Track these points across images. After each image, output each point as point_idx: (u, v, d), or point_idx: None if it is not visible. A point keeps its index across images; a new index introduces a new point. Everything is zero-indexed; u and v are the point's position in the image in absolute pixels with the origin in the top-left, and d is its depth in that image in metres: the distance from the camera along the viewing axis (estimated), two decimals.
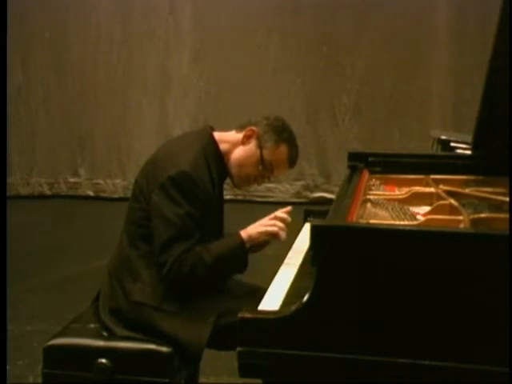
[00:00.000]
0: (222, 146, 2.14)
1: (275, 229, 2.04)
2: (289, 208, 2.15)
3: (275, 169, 2.15)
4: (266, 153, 2.11)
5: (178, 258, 1.95)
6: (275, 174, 2.18)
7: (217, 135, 2.16)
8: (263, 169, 2.14)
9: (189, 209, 1.97)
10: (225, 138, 2.16)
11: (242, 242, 2.04)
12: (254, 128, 2.12)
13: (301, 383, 1.60)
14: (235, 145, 2.14)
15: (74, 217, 6.16)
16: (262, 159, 2.12)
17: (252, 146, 2.12)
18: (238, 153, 2.13)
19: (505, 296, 1.46)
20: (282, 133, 2.13)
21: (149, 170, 2.10)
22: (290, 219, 2.10)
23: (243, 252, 2.05)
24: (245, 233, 2.05)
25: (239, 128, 2.17)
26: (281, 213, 2.11)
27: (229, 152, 2.14)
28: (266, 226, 2.06)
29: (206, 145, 2.11)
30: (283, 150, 2.13)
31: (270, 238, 2.07)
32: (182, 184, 1.97)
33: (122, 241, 2.13)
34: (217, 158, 2.12)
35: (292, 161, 2.17)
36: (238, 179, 2.17)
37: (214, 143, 2.13)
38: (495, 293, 1.48)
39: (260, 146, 2.11)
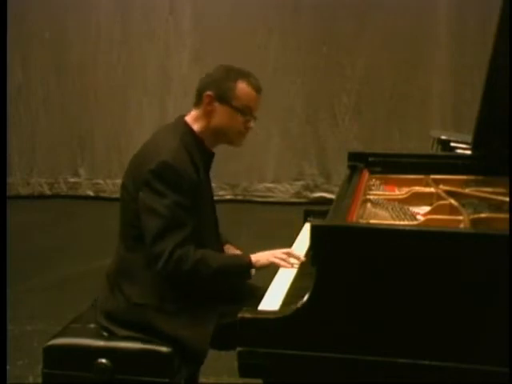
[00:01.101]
0: (196, 127, 2.11)
1: (285, 264, 2.03)
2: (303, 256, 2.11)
3: (251, 106, 2.11)
4: (233, 103, 2.07)
5: (173, 250, 1.93)
6: (255, 109, 2.13)
7: (188, 120, 2.13)
8: (243, 115, 2.10)
9: (176, 198, 1.95)
10: (193, 118, 2.12)
11: (248, 263, 2.03)
12: (207, 93, 2.08)
13: (301, 383, 1.60)
14: (204, 118, 2.10)
15: (74, 217, 6.15)
16: (236, 110, 2.08)
17: (218, 108, 2.08)
18: (214, 123, 2.09)
19: (505, 296, 1.46)
20: (229, 75, 2.09)
21: (132, 170, 2.09)
22: (303, 259, 2.08)
23: (246, 272, 2.05)
24: (255, 257, 2.05)
25: (196, 103, 2.12)
26: (296, 252, 2.10)
27: (205, 129, 2.10)
28: (277, 258, 2.04)
29: (183, 133, 2.08)
30: (242, 86, 2.09)
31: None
32: (164, 175, 1.96)
33: (118, 245, 2.12)
34: (196, 143, 2.09)
35: (257, 88, 2.13)
36: (232, 140, 2.15)
37: (190, 129, 2.10)
38: (495, 293, 1.48)
39: (225, 102, 2.07)
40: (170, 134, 2.09)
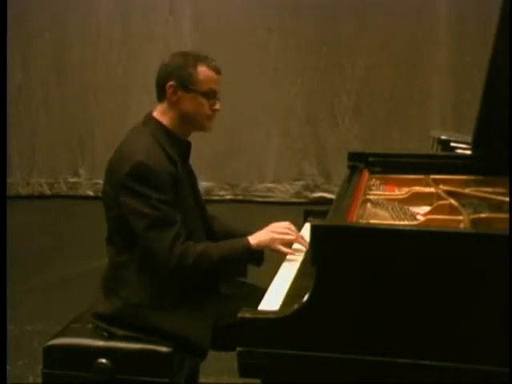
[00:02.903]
0: (165, 120, 2.09)
1: (286, 238, 2.05)
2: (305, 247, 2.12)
3: (214, 88, 2.11)
4: (197, 88, 2.06)
5: (171, 246, 1.93)
6: (218, 91, 2.13)
7: (156, 115, 2.12)
8: (208, 98, 2.09)
9: (157, 196, 1.95)
10: (161, 112, 2.11)
11: (247, 246, 2.03)
12: (170, 83, 2.06)
13: (301, 383, 1.60)
14: (171, 109, 2.09)
15: (73, 217, 6.16)
16: (200, 94, 2.07)
17: (182, 96, 2.07)
18: (181, 111, 2.08)
19: (505, 296, 1.46)
20: (187, 61, 2.08)
21: (109, 176, 2.08)
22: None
23: (247, 255, 2.05)
24: (254, 239, 2.04)
25: (159, 96, 2.11)
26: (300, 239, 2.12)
27: (174, 119, 2.09)
28: (277, 233, 2.05)
29: (155, 129, 2.08)
30: (203, 69, 2.08)
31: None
32: (141, 175, 1.95)
33: (109, 251, 2.12)
34: (168, 136, 2.08)
35: (217, 69, 2.12)
36: (202, 125, 2.13)
37: (160, 123, 2.09)
38: (495, 293, 1.48)
39: (188, 89, 2.06)
40: (140, 134, 2.08)
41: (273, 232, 2.07)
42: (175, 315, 2.01)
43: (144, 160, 1.96)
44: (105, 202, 2.11)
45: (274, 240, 2.05)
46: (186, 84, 2.06)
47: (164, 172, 1.98)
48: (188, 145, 2.17)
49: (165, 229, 1.95)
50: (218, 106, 2.13)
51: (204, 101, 2.08)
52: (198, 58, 2.09)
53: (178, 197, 2.02)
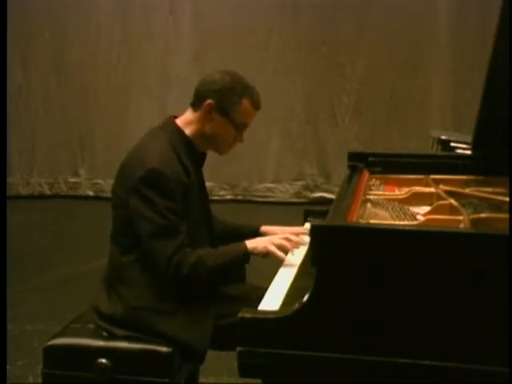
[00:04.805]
0: (188, 130, 2.09)
1: (281, 254, 2.04)
2: (305, 230, 2.12)
3: (248, 122, 2.12)
4: (234, 116, 2.06)
5: (172, 256, 1.93)
6: (249, 125, 2.14)
7: (179, 121, 2.11)
8: (238, 130, 2.10)
9: (167, 204, 1.95)
10: (187, 120, 2.10)
11: (245, 252, 2.04)
12: (210, 101, 2.05)
13: (301, 383, 1.60)
14: (199, 123, 2.08)
15: (74, 217, 6.15)
16: (233, 124, 2.07)
17: (217, 118, 2.06)
18: (207, 130, 2.08)
19: (505, 296, 1.46)
20: (235, 89, 2.06)
21: (121, 177, 2.07)
22: (305, 242, 2.08)
23: (244, 260, 2.06)
24: (251, 244, 2.04)
25: (194, 105, 2.10)
26: (296, 235, 2.12)
27: (197, 133, 2.09)
28: (275, 245, 2.04)
29: (172, 135, 2.07)
30: (246, 103, 2.07)
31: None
32: (154, 182, 1.95)
33: (112, 250, 2.11)
34: (186, 144, 2.08)
35: (258, 105, 2.11)
36: (221, 150, 2.14)
37: (180, 131, 2.09)
38: (495, 293, 1.48)
39: (225, 114, 2.06)
40: (157, 138, 2.07)
41: (271, 243, 2.05)
42: (175, 319, 2.00)
43: (159, 167, 1.95)
44: (113, 202, 2.11)
45: (267, 251, 2.04)
46: (225, 110, 2.06)
47: (176, 180, 1.98)
48: (203, 155, 2.17)
49: (168, 238, 1.95)
50: (242, 138, 2.14)
51: (233, 131, 2.09)
52: (246, 90, 2.08)
53: (187, 206, 2.02)
